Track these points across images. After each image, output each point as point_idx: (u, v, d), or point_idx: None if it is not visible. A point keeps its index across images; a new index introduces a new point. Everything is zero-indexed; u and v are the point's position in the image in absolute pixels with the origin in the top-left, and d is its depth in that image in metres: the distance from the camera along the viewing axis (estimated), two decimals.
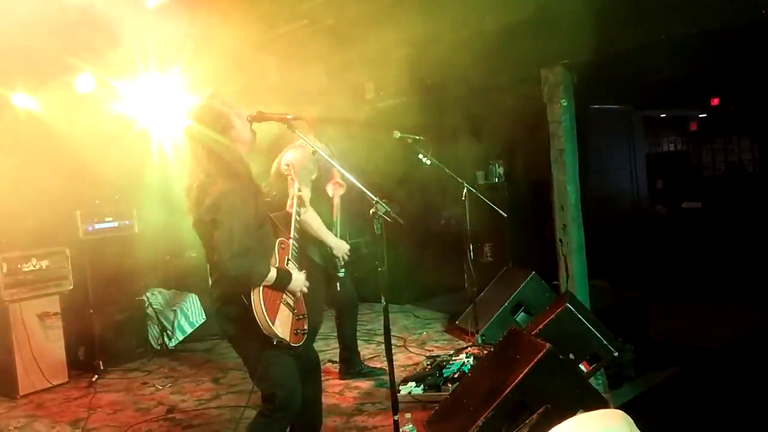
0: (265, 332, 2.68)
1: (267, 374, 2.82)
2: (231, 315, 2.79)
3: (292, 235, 3.00)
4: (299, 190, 3.14)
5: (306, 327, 2.91)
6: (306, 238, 4.14)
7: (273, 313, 2.71)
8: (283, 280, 2.79)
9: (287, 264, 2.90)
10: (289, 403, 2.84)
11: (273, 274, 2.74)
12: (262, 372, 2.82)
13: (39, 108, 5.89)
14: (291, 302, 2.86)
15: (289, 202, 3.09)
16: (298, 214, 3.09)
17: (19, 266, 5.02)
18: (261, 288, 2.70)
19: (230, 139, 2.83)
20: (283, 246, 2.95)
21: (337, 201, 4.39)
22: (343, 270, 4.33)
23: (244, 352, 2.90)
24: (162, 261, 6.79)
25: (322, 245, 4.22)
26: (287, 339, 2.75)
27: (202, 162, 2.80)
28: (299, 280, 2.89)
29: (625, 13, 4.80)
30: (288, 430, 3.06)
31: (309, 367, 3.14)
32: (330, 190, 4.32)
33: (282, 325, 2.74)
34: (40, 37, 4.71)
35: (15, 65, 5.10)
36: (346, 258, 4.28)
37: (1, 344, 4.97)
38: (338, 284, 4.36)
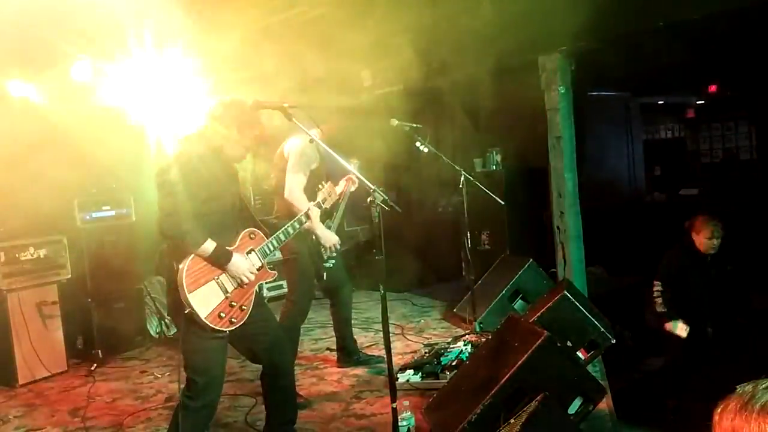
0: (181, 299, 2.71)
1: (189, 358, 2.85)
2: (169, 284, 2.87)
3: (275, 235, 3.06)
4: (317, 205, 3.31)
5: (240, 320, 2.88)
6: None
7: (195, 284, 2.74)
8: (219, 257, 2.80)
9: (247, 253, 2.94)
10: (205, 392, 2.86)
11: (209, 246, 2.76)
12: (185, 355, 2.85)
13: (36, 96, 5.85)
14: (228, 286, 2.85)
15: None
16: (300, 223, 3.19)
17: (17, 255, 5.01)
18: (191, 256, 2.74)
19: (226, 141, 2.94)
20: (252, 236, 2.99)
21: (345, 197, 4.38)
22: (331, 261, 4.33)
23: (177, 328, 3.01)
24: (160, 249, 6.77)
25: (307, 231, 4.20)
26: (201, 315, 2.73)
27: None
28: (241, 266, 2.87)
29: None
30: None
31: (275, 340, 3.15)
32: (342, 184, 4.32)
33: (200, 300, 2.74)
34: (37, 25, 4.68)
35: (12, 53, 5.06)
36: (335, 249, 4.27)
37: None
38: (324, 274, 4.36)
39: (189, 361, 2.85)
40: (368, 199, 2.95)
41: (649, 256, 7.36)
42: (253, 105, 2.99)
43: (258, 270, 2.98)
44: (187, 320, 2.76)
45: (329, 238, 4.22)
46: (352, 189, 4.42)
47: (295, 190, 4.14)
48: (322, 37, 6.74)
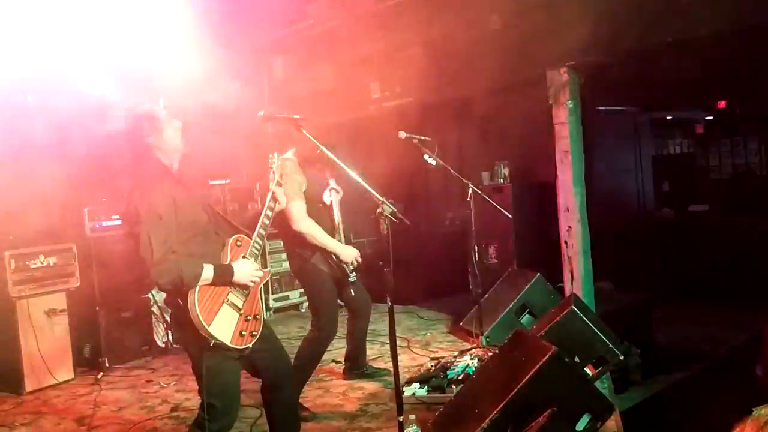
0: (201, 333, 2.67)
1: (208, 384, 2.80)
2: (176, 319, 2.80)
3: (256, 233, 2.97)
4: (278, 184, 3.10)
5: (259, 329, 2.86)
6: (311, 247, 4.14)
7: (211, 313, 2.69)
8: (223, 275, 2.75)
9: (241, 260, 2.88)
10: (224, 415, 2.83)
11: (209, 272, 2.70)
12: (203, 381, 2.79)
13: (49, 106, 5.91)
14: (239, 302, 2.82)
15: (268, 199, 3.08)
16: (270, 209, 3.05)
17: (27, 263, 5.05)
18: (198, 288, 2.67)
19: (155, 144, 2.84)
20: (239, 243, 2.93)
21: (336, 207, 4.37)
22: (354, 274, 4.32)
23: (190, 355, 2.87)
24: None
25: (325, 252, 4.18)
26: (227, 341, 2.71)
27: (132, 168, 2.83)
28: (246, 271, 2.83)
29: (632, 14, 4.79)
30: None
31: (275, 353, 3.11)
32: (327, 197, 4.30)
33: (220, 327, 2.70)
34: (53, 36, 4.74)
35: (27, 65, 5.12)
36: (357, 262, 4.26)
37: (8, 340, 4.99)
38: (351, 289, 4.33)
39: (210, 387, 2.80)
40: (377, 211, 2.95)
41: (657, 272, 7.35)
42: (264, 117, 2.99)
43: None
44: (208, 348, 2.71)
45: (348, 252, 4.21)
46: (339, 198, 4.36)
47: (301, 220, 4.08)
48: (331, 50, 6.81)
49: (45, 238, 5.29)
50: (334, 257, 4.19)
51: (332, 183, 4.36)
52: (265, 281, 3.01)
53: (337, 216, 4.35)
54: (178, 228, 2.70)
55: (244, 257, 2.88)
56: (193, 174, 3.10)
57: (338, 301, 4.45)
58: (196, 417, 2.90)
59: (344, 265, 4.22)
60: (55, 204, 5.55)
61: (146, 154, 2.83)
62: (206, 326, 2.65)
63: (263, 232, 2.99)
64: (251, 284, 2.86)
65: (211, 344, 2.69)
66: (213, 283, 2.73)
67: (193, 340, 2.74)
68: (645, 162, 8.78)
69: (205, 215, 2.90)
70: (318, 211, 4.20)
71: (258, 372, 3.08)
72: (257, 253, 2.96)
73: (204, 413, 2.81)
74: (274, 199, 3.07)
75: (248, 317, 2.83)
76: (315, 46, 6.65)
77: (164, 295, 6.54)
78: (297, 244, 4.15)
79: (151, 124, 2.84)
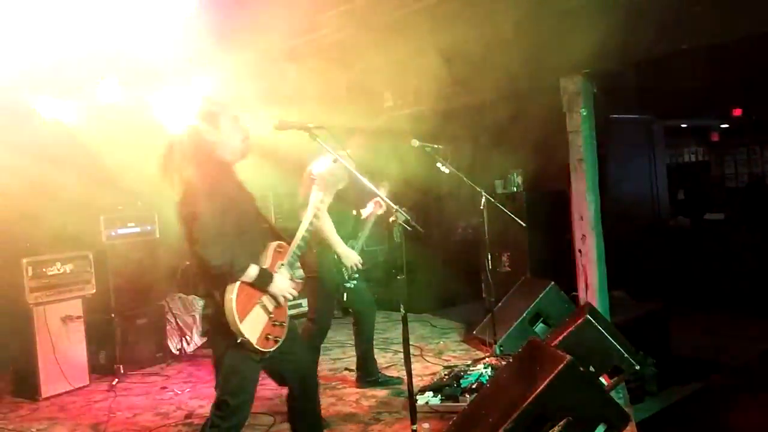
0: (231, 328, 2.71)
1: (226, 380, 2.85)
2: (207, 313, 2.84)
3: (296, 243, 3.02)
4: (321, 201, 3.16)
5: (282, 336, 2.90)
6: (317, 240, 4.15)
7: (244, 311, 2.74)
8: (263, 280, 2.80)
9: (278, 268, 2.93)
10: (236, 413, 2.86)
11: (254, 271, 2.76)
12: (222, 376, 2.85)
13: (65, 115, 5.99)
14: (270, 306, 2.87)
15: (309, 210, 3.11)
16: (311, 224, 3.11)
17: (44, 270, 5.10)
18: (238, 284, 2.73)
19: (217, 139, 2.88)
20: (279, 250, 2.98)
21: (372, 219, 4.40)
22: (354, 281, 4.34)
23: (214, 350, 2.91)
24: (182, 266, 6.86)
25: (328, 249, 4.21)
26: (253, 341, 2.75)
27: (188, 157, 2.84)
28: (282, 285, 2.88)
29: (645, 22, 4.77)
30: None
31: (303, 362, 3.15)
32: (370, 206, 4.33)
33: (250, 326, 2.75)
34: (68, 46, 4.80)
35: (43, 73, 5.19)
36: (357, 268, 4.27)
37: (24, 347, 5.04)
38: (344, 294, 4.36)
39: (225, 382, 2.85)
40: (390, 219, 2.96)
41: (672, 281, 7.29)
42: (278, 125, 3.01)
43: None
44: (235, 346, 2.76)
45: (350, 257, 4.23)
46: (380, 212, 4.43)
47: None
48: (344, 59, 6.83)
49: (62, 246, 5.35)
50: (335, 257, 4.20)
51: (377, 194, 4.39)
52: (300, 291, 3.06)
53: (367, 228, 4.36)
54: (230, 224, 2.75)
55: (282, 264, 2.95)
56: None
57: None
58: (208, 418, 2.92)
59: (342, 267, 4.23)
60: (71, 212, 5.61)
61: (208, 151, 2.88)
62: (238, 322, 2.70)
63: (302, 244, 3.06)
64: (287, 297, 2.91)
65: (238, 341, 2.73)
66: (251, 285, 2.78)
67: (220, 334, 2.78)
68: (659, 170, 8.73)
69: (254, 216, 2.97)
70: (345, 215, 4.23)
71: (284, 379, 3.11)
72: (293, 262, 3.02)
73: (218, 411, 2.85)
74: (318, 213, 3.16)
75: (275, 322, 2.89)
76: (328, 55, 6.68)
77: (179, 302, 6.61)
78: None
79: (209, 122, 2.90)
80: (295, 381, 3.10)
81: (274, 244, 2.97)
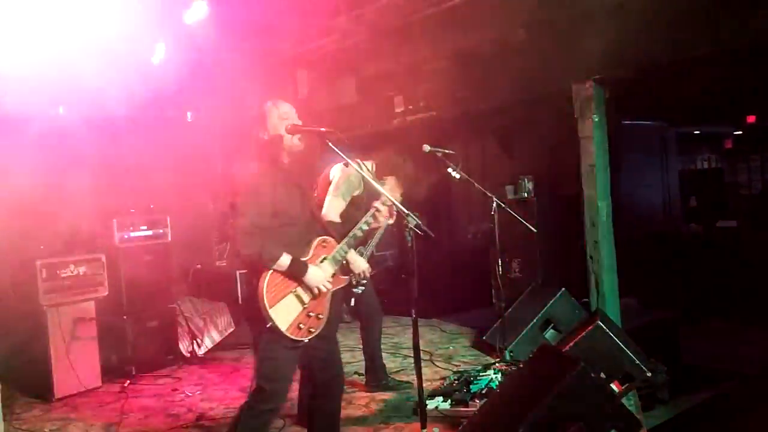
0: (262, 312, 2.82)
1: (262, 366, 2.96)
2: (247, 295, 2.99)
3: (345, 240, 3.14)
4: (383, 203, 3.30)
5: (317, 328, 2.97)
6: None
7: (275, 298, 2.85)
8: (296, 270, 2.91)
9: (320, 262, 3.03)
10: (271, 398, 2.96)
11: (286, 260, 2.86)
12: (259, 362, 2.96)
13: (80, 117, 6.06)
14: (306, 297, 2.95)
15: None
16: (367, 224, 3.27)
17: (58, 272, 5.14)
18: (270, 272, 2.85)
19: (265, 137, 3.03)
20: (324, 244, 3.09)
21: (382, 227, 4.40)
22: (361, 288, 4.34)
23: (252, 332, 3.01)
24: (193, 269, 6.91)
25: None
26: (282, 328, 2.84)
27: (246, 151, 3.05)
28: (317, 276, 2.97)
29: (659, 28, 4.77)
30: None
31: (333, 363, 3.23)
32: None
33: (281, 313, 2.85)
34: (87, 55, 4.87)
35: (59, 79, 5.26)
36: (364, 276, 4.26)
37: (38, 348, 5.07)
38: (353, 300, 4.36)
39: (261, 368, 2.96)
40: (402, 224, 2.97)
41: (684, 288, 7.24)
42: (290, 129, 3.04)
43: (331, 278, 3.07)
44: (267, 330, 2.86)
45: (359, 264, 4.21)
46: (391, 222, 4.42)
47: (331, 213, 4.17)
48: (355, 64, 6.87)
49: (75, 248, 5.39)
50: (344, 262, 4.19)
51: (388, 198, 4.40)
52: (338, 287, 3.13)
53: (378, 235, 4.36)
54: (272, 214, 2.89)
55: (325, 258, 3.05)
56: (306, 172, 3.33)
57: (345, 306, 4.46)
58: (246, 401, 3.04)
59: (351, 275, 4.21)
60: (84, 214, 5.67)
61: (260, 147, 3.04)
62: (268, 307, 2.82)
63: (352, 242, 3.19)
64: (321, 289, 2.99)
65: (267, 325, 2.83)
66: (285, 274, 2.88)
67: (256, 318, 2.88)
68: (672, 177, 8.69)
69: (300, 210, 3.05)
70: (356, 221, 4.25)
71: (312, 375, 3.20)
72: (340, 259, 3.13)
73: (254, 394, 2.96)
74: (375, 217, 3.33)
75: (311, 313, 2.96)
76: (339, 61, 6.72)
77: (190, 305, 6.66)
78: None
79: (260, 121, 3.05)
80: (321, 379, 3.17)
81: (318, 239, 3.07)
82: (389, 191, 3.93)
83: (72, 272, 5.22)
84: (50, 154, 5.82)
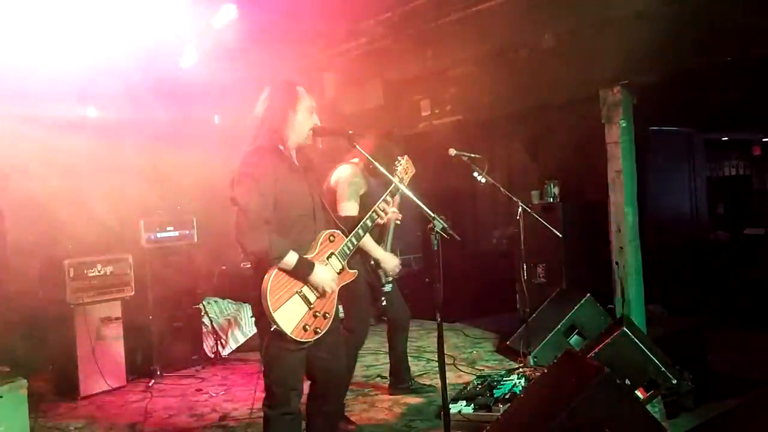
0: (266, 315, 2.68)
1: (269, 368, 2.82)
2: (252, 297, 2.78)
3: (353, 234, 2.98)
4: (390, 194, 3.15)
5: (324, 327, 2.82)
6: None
7: (278, 300, 2.68)
8: (302, 269, 2.72)
9: (328, 258, 2.87)
10: (283, 401, 2.82)
11: (292, 258, 2.68)
12: (266, 364, 2.82)
13: (109, 122, 6.17)
14: (311, 297, 2.78)
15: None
16: (371, 219, 3.08)
17: (85, 271, 5.22)
18: (274, 272, 2.67)
19: (285, 119, 2.85)
20: (332, 239, 2.90)
21: (391, 223, 4.40)
22: (389, 285, 4.31)
23: (259, 332, 2.87)
24: (218, 271, 6.98)
25: (365, 256, 4.16)
26: (287, 331, 2.68)
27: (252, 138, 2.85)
28: (325, 276, 2.79)
29: (686, 33, 4.71)
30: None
31: (336, 364, 3.07)
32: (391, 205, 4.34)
33: (286, 316, 2.69)
34: (117, 58, 4.95)
35: (89, 81, 5.36)
36: (395, 272, 4.25)
37: (65, 346, 5.17)
38: (384, 299, 4.31)
39: (269, 370, 2.83)
40: (428, 227, 2.95)
41: (711, 296, 7.12)
42: (315, 131, 3.02)
43: (339, 273, 2.92)
44: (271, 333, 2.72)
45: (389, 260, 4.18)
46: (398, 216, 4.40)
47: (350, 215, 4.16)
48: (381, 68, 6.89)
49: (103, 248, 5.48)
50: (372, 263, 4.19)
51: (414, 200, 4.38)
52: (346, 282, 2.98)
53: (390, 231, 4.35)
54: (277, 208, 2.73)
55: (332, 254, 2.89)
56: (315, 165, 3.09)
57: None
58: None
59: (381, 273, 4.20)
60: (112, 215, 5.76)
61: (271, 126, 2.84)
62: (271, 311, 2.66)
63: (361, 233, 3.02)
64: (326, 290, 2.83)
65: (272, 329, 2.69)
66: (290, 273, 2.73)
67: (261, 319, 2.75)
68: (699, 183, 8.55)
69: (309, 205, 2.88)
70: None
71: (312, 373, 3.01)
72: (347, 253, 2.95)
73: (267, 397, 2.86)
74: (386, 201, 3.15)
75: (317, 313, 2.81)
76: (366, 64, 6.75)
77: (214, 307, 6.70)
78: None
79: (288, 100, 2.86)
80: (321, 380, 3.02)
81: (325, 233, 2.89)
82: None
83: (99, 272, 5.30)
84: (79, 154, 5.93)
